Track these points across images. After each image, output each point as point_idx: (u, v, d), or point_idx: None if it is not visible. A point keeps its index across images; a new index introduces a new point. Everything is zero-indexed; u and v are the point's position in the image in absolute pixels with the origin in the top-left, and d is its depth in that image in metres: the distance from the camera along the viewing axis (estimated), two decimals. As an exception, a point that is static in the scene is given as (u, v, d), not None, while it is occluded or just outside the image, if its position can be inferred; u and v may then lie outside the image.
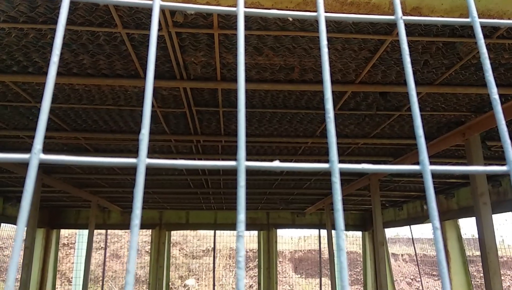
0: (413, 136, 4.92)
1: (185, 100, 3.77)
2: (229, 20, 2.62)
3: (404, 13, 1.23)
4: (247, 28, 2.69)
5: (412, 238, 12.59)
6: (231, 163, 0.44)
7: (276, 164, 0.44)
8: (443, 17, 1.27)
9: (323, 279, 16.50)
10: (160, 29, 2.69)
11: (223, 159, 5.93)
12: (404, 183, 7.77)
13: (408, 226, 11.62)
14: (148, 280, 11.88)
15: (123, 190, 8.32)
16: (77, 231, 15.54)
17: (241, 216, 0.39)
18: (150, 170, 6.61)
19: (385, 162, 6.06)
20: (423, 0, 1.17)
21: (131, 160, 0.42)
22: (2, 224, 9.16)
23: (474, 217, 4.21)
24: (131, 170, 6.63)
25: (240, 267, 0.36)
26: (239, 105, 0.45)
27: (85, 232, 10.50)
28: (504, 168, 0.47)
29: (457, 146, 5.20)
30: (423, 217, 8.91)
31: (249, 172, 6.82)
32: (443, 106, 4.05)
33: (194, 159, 5.92)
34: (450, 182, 7.42)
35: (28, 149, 5.34)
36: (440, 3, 1.19)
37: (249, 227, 11.84)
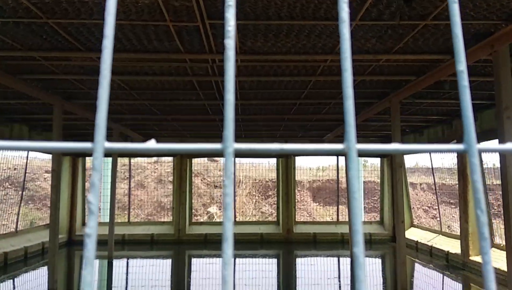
0: (439, 50, 4.69)
1: (198, 11, 3.62)
2: None
3: None
4: None
5: (432, 167, 12.53)
6: None
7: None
8: None
9: (340, 207, 16.95)
10: None
11: (239, 82, 5.85)
12: (426, 106, 7.58)
13: (428, 154, 11.55)
14: (172, 205, 12.40)
15: (142, 117, 8.42)
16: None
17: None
18: (165, 94, 6.61)
19: (407, 82, 5.87)
20: None
21: None
22: (29, 153, 9.51)
23: (497, 140, 4.10)
24: (148, 94, 6.64)
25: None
26: None
27: (110, 160, 10.83)
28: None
29: (485, 61, 4.95)
30: (443, 142, 8.80)
31: (267, 95, 6.74)
32: (472, 14, 3.79)
33: (211, 81, 5.85)
34: (473, 104, 7.19)
35: (45, 72, 5.36)
36: None
37: (268, 155, 11.98)
